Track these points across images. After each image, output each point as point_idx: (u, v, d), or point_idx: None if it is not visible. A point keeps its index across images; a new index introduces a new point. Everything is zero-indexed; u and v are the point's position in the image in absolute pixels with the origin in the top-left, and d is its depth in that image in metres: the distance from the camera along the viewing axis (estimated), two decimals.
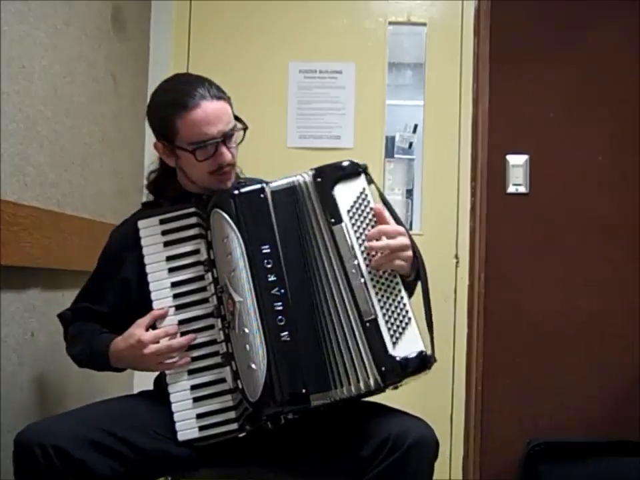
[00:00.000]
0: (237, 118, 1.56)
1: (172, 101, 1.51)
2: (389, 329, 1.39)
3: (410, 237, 1.48)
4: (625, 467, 2.40)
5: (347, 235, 1.43)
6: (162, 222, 1.53)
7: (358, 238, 1.44)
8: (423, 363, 1.39)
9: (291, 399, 1.39)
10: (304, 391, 1.39)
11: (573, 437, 2.51)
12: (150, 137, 2.65)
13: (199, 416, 1.45)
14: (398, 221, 1.49)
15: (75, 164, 2.04)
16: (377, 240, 1.43)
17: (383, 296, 1.42)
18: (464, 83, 2.72)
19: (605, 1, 2.64)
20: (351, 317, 1.41)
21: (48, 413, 1.83)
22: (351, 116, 2.73)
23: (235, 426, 1.45)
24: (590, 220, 2.61)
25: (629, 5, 2.63)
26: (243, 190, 1.48)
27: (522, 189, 2.63)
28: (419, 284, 1.56)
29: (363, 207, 1.45)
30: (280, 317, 1.41)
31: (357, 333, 1.40)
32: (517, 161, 2.63)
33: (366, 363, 1.39)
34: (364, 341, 1.39)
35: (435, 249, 2.68)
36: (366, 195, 1.46)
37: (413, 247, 1.48)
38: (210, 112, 1.49)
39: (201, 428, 1.45)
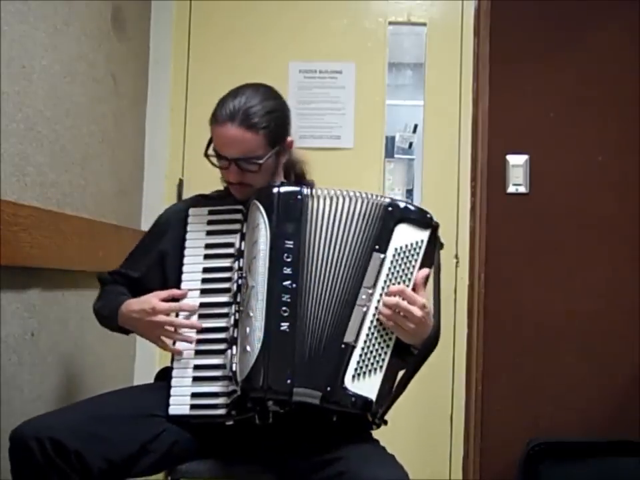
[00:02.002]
0: (274, 146, 1.58)
1: (216, 106, 1.58)
2: (357, 363, 1.43)
3: (438, 320, 1.49)
4: (625, 466, 2.40)
5: (379, 267, 1.46)
6: (210, 213, 1.62)
7: (387, 275, 1.46)
8: (363, 409, 1.42)
9: (274, 387, 1.41)
10: (288, 381, 1.41)
11: (572, 437, 2.50)
12: (150, 137, 2.68)
13: (193, 395, 1.50)
14: (437, 299, 1.51)
15: (75, 164, 2.04)
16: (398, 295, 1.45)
17: (372, 334, 1.45)
18: (464, 83, 2.72)
19: (605, 0, 2.64)
20: (335, 333, 1.44)
21: None
22: (350, 116, 2.73)
23: (222, 411, 1.48)
24: (590, 220, 2.61)
25: (629, 4, 2.63)
26: (282, 189, 1.54)
27: (522, 189, 2.63)
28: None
29: (410, 256, 1.48)
30: (284, 308, 1.45)
31: (332, 348, 1.43)
32: (516, 161, 2.63)
33: (323, 376, 1.42)
34: (331, 358, 1.43)
35: None
36: (419, 248, 1.49)
37: (435, 326, 1.49)
38: (227, 136, 1.55)
39: (192, 407, 1.49)
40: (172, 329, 1.53)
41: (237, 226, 1.58)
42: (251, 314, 1.45)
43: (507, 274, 2.62)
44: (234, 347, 1.47)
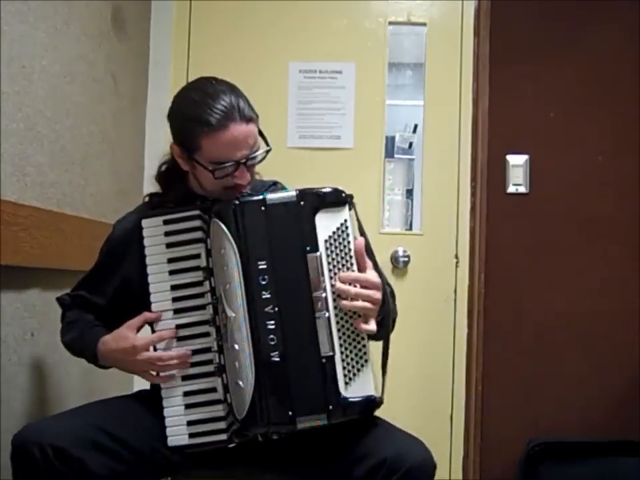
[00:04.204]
0: (261, 135, 1.51)
1: (197, 116, 1.44)
2: (344, 368, 1.38)
3: (382, 278, 1.44)
4: (625, 466, 2.40)
5: (319, 266, 1.39)
6: (166, 222, 1.50)
7: (330, 271, 1.40)
8: (369, 407, 1.40)
9: (277, 421, 1.39)
10: (290, 413, 1.38)
11: (572, 437, 2.51)
12: (150, 137, 2.68)
13: (190, 423, 1.45)
14: (374, 261, 1.46)
15: (75, 164, 2.04)
16: (349, 284, 1.39)
17: (344, 334, 1.39)
18: (464, 83, 2.72)
19: (605, 0, 2.64)
20: (311, 350, 1.38)
21: (48, 413, 1.83)
22: (351, 116, 2.73)
23: (223, 437, 1.45)
24: (590, 220, 2.61)
25: (629, 4, 2.63)
26: (243, 200, 1.44)
27: (522, 189, 2.63)
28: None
29: (341, 240, 1.40)
30: (271, 337, 1.39)
31: (314, 367, 1.38)
32: (516, 161, 2.63)
33: (319, 397, 1.38)
34: (318, 376, 1.38)
35: (434, 249, 2.68)
36: (346, 227, 1.41)
37: (384, 291, 1.44)
38: (237, 136, 1.43)
39: (191, 435, 1.45)
40: (158, 363, 1.46)
41: (197, 234, 1.48)
42: (237, 347, 1.39)
43: (507, 274, 2.62)
44: (224, 376, 1.43)
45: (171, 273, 1.48)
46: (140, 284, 1.51)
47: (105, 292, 1.61)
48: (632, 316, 2.56)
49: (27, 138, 1.75)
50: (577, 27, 2.65)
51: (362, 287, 1.39)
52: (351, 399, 1.38)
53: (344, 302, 1.38)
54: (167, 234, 1.49)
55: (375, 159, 2.73)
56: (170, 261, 1.49)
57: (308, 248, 1.39)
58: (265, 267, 1.40)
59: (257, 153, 1.49)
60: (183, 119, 1.49)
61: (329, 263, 1.40)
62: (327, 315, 1.38)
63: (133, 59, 2.54)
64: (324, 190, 1.43)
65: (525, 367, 2.59)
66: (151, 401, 1.53)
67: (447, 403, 2.66)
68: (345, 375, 1.38)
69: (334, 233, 1.40)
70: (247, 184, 1.50)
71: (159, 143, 2.69)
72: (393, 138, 2.87)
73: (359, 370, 1.39)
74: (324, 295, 1.38)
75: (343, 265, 1.40)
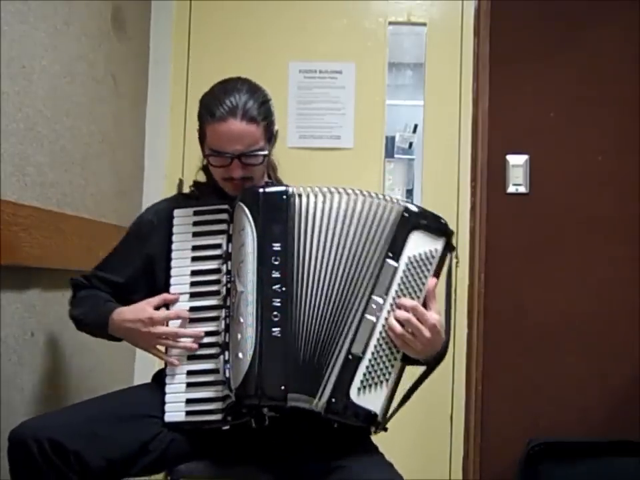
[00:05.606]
0: (270, 139, 1.62)
1: (207, 106, 1.57)
2: (364, 375, 1.41)
3: (447, 334, 1.47)
4: (625, 466, 2.40)
5: (391, 275, 1.44)
6: (196, 213, 1.59)
7: (399, 285, 1.44)
8: (367, 422, 1.41)
9: (269, 393, 1.41)
10: (282, 387, 1.41)
11: (572, 437, 2.50)
12: (150, 137, 2.68)
13: (189, 401, 1.49)
14: (448, 309, 1.49)
15: (75, 164, 2.04)
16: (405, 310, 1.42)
17: (381, 346, 1.43)
18: (464, 83, 2.72)
19: (605, 1, 2.64)
20: (345, 342, 1.42)
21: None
22: (351, 116, 2.73)
23: (218, 417, 1.47)
24: (590, 220, 2.61)
25: (629, 4, 2.63)
26: (268, 189, 1.53)
27: (522, 189, 2.63)
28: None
29: (423, 265, 1.45)
30: (275, 313, 1.44)
31: (338, 358, 1.42)
32: (516, 161, 2.63)
33: (327, 386, 1.41)
34: (337, 368, 1.41)
35: None
36: (434, 257, 1.45)
37: (444, 345, 1.47)
38: (232, 131, 1.54)
39: (188, 413, 1.49)
40: (171, 339, 1.51)
41: (223, 226, 1.56)
42: (241, 320, 1.44)
43: (507, 274, 2.62)
44: (226, 353, 1.47)
45: (193, 259, 1.56)
46: (161, 266, 1.59)
47: (125, 271, 1.66)
48: (632, 316, 2.56)
49: (27, 138, 1.75)
50: (577, 27, 2.65)
51: (419, 320, 1.41)
52: (354, 404, 1.40)
53: (395, 325, 1.41)
54: (195, 224, 1.58)
55: (375, 159, 2.73)
56: (194, 248, 1.57)
57: (390, 254, 1.45)
58: (278, 249, 1.46)
59: (253, 152, 1.57)
60: (201, 107, 1.61)
61: (401, 278, 1.44)
62: (374, 319, 1.42)
63: (133, 59, 2.54)
64: (430, 212, 1.50)
65: (525, 367, 2.59)
66: (147, 391, 1.57)
67: (447, 403, 2.66)
68: (361, 381, 1.41)
69: (420, 255, 1.45)
70: (243, 178, 1.58)
71: (158, 143, 2.70)
72: (393, 138, 2.88)
73: (376, 384, 1.42)
74: (381, 301, 1.43)
75: (412, 287, 1.44)
